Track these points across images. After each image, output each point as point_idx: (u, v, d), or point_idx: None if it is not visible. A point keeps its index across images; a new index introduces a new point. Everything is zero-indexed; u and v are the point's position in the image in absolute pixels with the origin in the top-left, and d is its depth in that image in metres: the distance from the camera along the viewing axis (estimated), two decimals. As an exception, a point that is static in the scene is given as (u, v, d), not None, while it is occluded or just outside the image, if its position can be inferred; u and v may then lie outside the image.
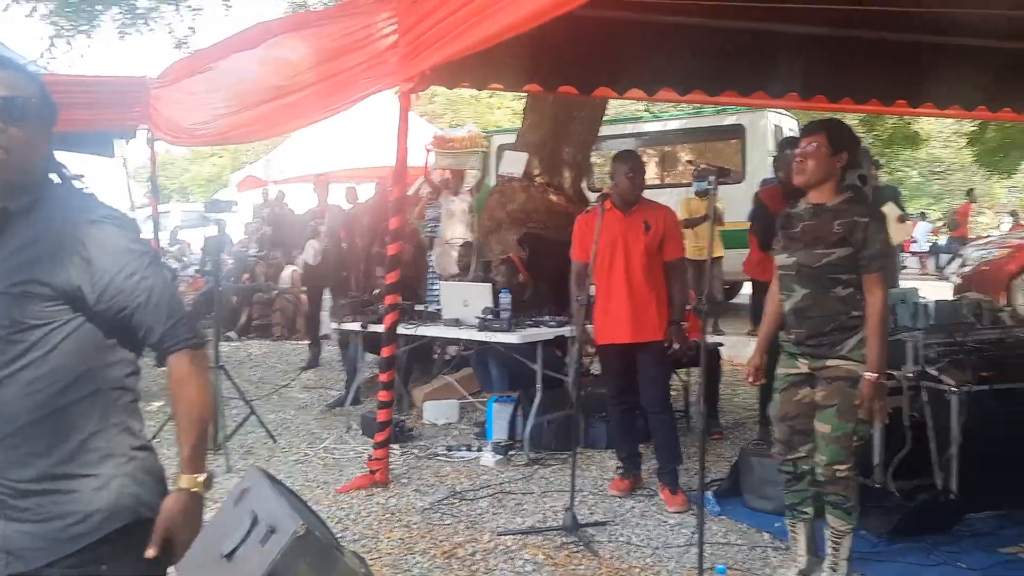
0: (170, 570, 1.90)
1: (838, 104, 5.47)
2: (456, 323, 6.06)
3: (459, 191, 9.47)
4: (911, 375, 4.51)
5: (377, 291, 6.89)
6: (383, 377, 5.16)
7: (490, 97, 23.76)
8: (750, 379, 3.81)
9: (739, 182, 11.28)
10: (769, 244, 3.90)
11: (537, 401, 5.64)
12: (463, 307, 6.04)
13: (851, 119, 18.34)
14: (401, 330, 5.67)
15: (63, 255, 1.74)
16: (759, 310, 4.24)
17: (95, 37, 14.96)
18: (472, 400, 6.93)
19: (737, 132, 11.97)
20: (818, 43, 5.07)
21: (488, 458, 5.50)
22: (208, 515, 1.98)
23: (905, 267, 23.81)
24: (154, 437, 4.84)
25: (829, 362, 3.43)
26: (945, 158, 34.94)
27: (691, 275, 6.75)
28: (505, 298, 5.80)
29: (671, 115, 14.51)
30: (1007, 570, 3.76)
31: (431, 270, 8.89)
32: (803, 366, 3.53)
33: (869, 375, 3.32)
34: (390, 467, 5.21)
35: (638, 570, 3.86)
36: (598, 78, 5.53)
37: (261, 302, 11.70)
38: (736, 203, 8.86)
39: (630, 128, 13.74)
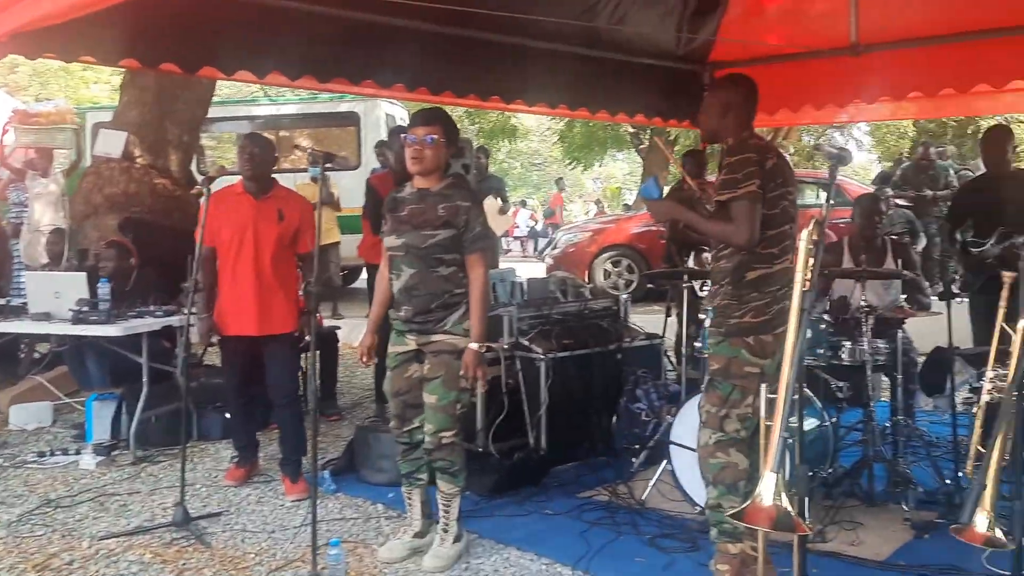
0: None
1: (439, 96, 5.79)
2: (46, 317, 5.50)
3: (49, 172, 8.57)
4: (507, 346, 4.97)
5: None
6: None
7: (84, 71, 21.61)
8: (363, 359, 3.95)
9: (355, 168, 11.52)
10: (380, 228, 4.05)
11: (144, 396, 5.32)
12: (54, 299, 5.49)
13: (457, 112, 19.53)
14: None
15: None
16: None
17: None
18: (69, 401, 6.35)
19: (352, 119, 12.18)
20: (425, 38, 5.33)
21: (88, 461, 5.10)
22: None
23: (509, 250, 25.95)
24: None
25: (434, 337, 3.68)
26: (543, 151, 38.40)
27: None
28: (103, 288, 5.38)
29: (287, 99, 14.35)
30: (583, 511, 4.31)
31: (16, 260, 7.97)
32: (411, 343, 3.75)
33: (472, 345, 3.60)
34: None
35: (253, 555, 3.84)
36: (204, 57, 5.30)
37: None
38: (352, 189, 9.02)
39: (244, 110, 13.37)
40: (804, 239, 2.37)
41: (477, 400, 4.83)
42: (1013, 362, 2.22)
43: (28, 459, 5.22)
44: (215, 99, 9.13)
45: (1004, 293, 2.49)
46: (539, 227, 25.64)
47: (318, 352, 5.14)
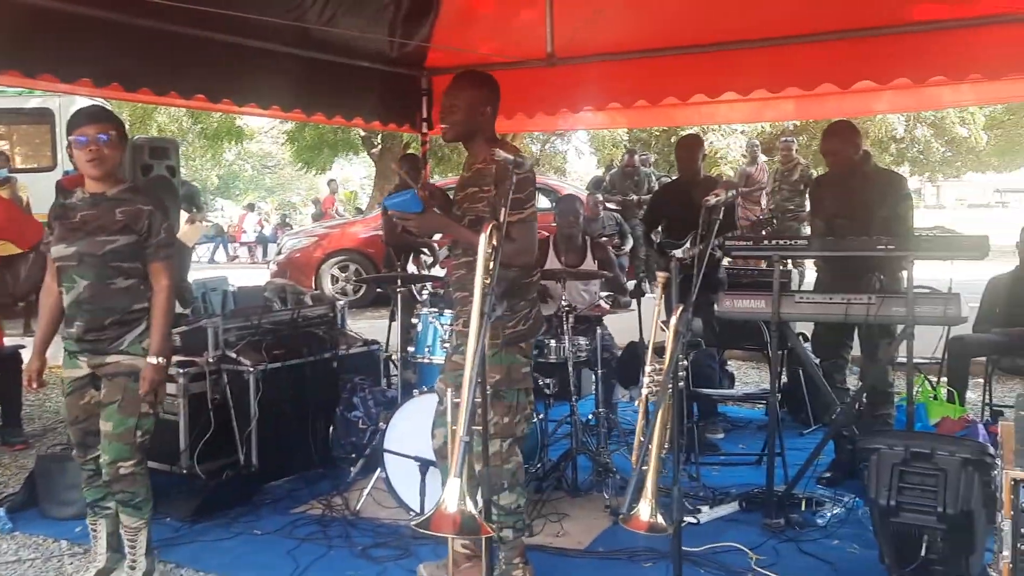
0: None
1: (135, 93, 5.37)
2: None
3: None
4: (212, 359, 4.70)
5: None
6: None
7: None
8: (30, 384, 3.55)
9: (50, 169, 10.50)
10: None
11: None
12: None
13: (179, 111, 18.40)
14: None
15: None
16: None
17: None
18: None
19: (46, 116, 11.07)
20: (117, 30, 4.91)
21: None
22: None
23: (236, 256, 24.93)
24: None
25: (109, 359, 3.36)
26: (276, 153, 37.24)
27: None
28: None
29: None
30: (295, 527, 4.16)
31: None
32: (84, 365, 3.41)
33: (152, 359, 3.33)
34: None
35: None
36: None
37: None
38: (49, 192, 8.18)
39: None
40: (483, 243, 2.40)
41: (180, 419, 4.55)
42: (667, 356, 2.39)
43: None
44: None
45: (659, 292, 2.68)
46: (268, 232, 24.78)
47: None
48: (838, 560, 3.74)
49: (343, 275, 11.81)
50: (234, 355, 4.72)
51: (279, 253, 12.62)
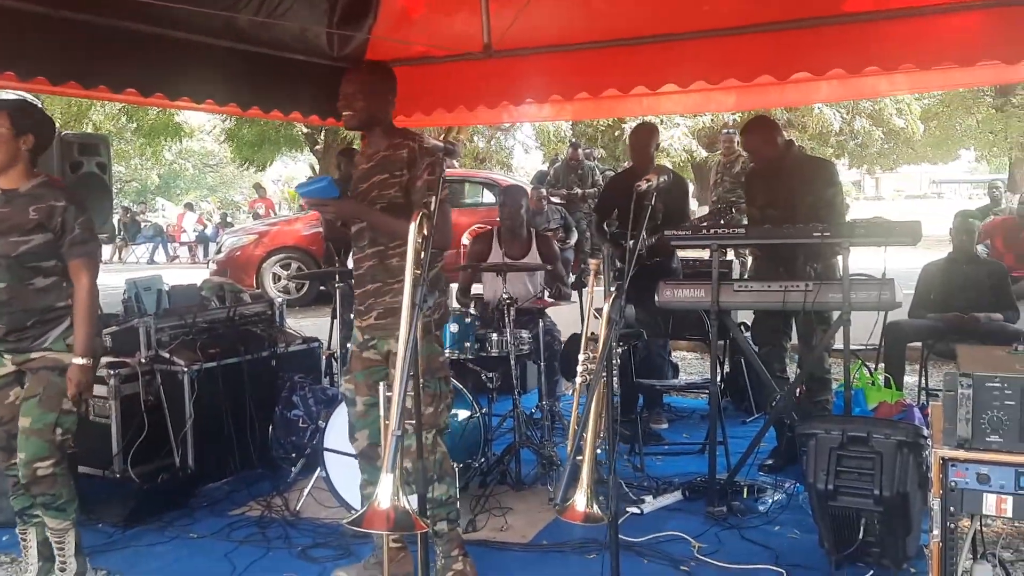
0: None
1: (62, 87, 5.20)
2: None
3: None
4: (145, 360, 4.58)
5: None
6: None
7: None
8: None
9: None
10: None
11: None
12: None
13: (115, 107, 17.96)
14: None
15: None
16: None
17: None
18: None
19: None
20: (55, 24, 4.75)
21: None
22: None
23: (177, 257, 24.48)
24: None
25: (34, 355, 3.26)
26: (218, 151, 36.63)
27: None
28: None
29: None
30: (232, 530, 4.07)
31: None
32: (8, 363, 3.30)
33: (78, 360, 3.22)
34: None
35: None
36: None
37: None
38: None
39: None
40: (413, 232, 2.35)
41: (112, 422, 4.42)
42: (600, 345, 2.37)
43: None
44: None
45: (591, 280, 2.66)
46: (209, 231, 24.35)
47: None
48: (779, 545, 3.77)
49: (285, 273, 11.63)
50: (167, 355, 4.61)
51: (219, 252, 12.38)
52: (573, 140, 12.51)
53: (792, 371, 5.16)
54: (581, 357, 2.58)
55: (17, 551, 3.60)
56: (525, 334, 4.74)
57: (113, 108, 18.43)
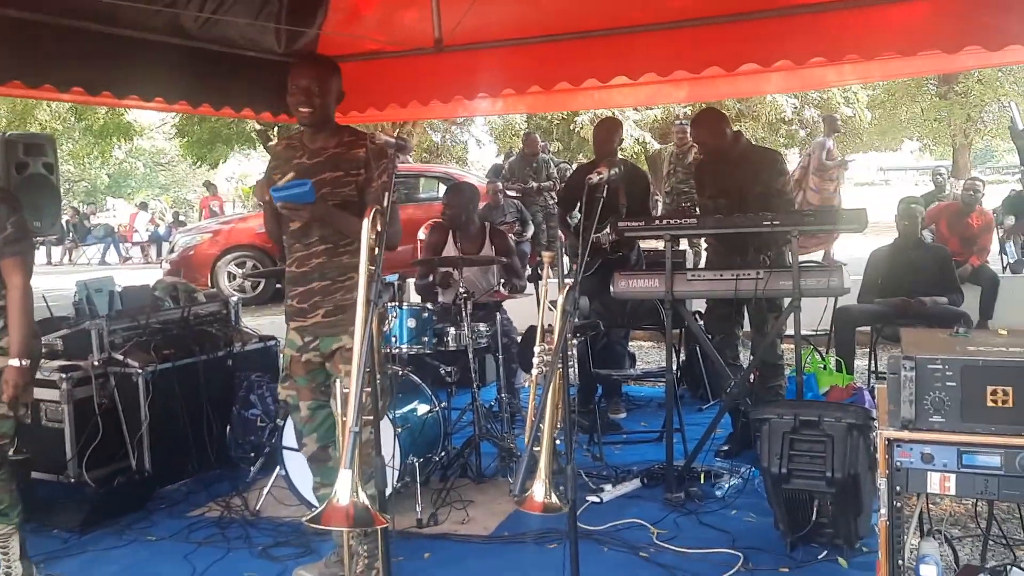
0: None
1: (5, 87, 5.10)
2: None
3: None
4: (98, 362, 4.51)
5: None
6: None
7: None
8: None
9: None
10: None
11: None
12: None
13: (63, 107, 17.61)
14: None
15: None
16: None
17: None
18: None
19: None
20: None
21: None
22: None
23: (129, 258, 24.08)
24: None
25: None
26: (169, 150, 36.05)
27: None
28: None
29: None
30: (191, 531, 4.04)
31: None
32: None
33: (13, 362, 3.16)
34: None
35: None
36: None
37: None
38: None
39: None
40: (366, 228, 2.36)
41: (65, 426, 4.36)
42: (555, 336, 2.40)
43: None
44: None
45: (545, 272, 2.68)
46: (162, 231, 23.99)
47: None
48: (736, 529, 3.84)
49: (240, 272, 11.51)
50: (121, 357, 4.55)
51: (172, 251, 12.22)
52: (528, 132, 12.51)
53: (745, 358, 5.25)
54: (537, 349, 2.60)
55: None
56: (483, 327, 4.76)
57: (61, 107, 18.08)
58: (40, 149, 6.34)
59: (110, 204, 37.26)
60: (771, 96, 18.56)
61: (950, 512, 3.85)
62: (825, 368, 5.41)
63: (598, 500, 4.20)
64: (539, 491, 2.28)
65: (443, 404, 4.56)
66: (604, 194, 2.78)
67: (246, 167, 38.32)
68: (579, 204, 5.55)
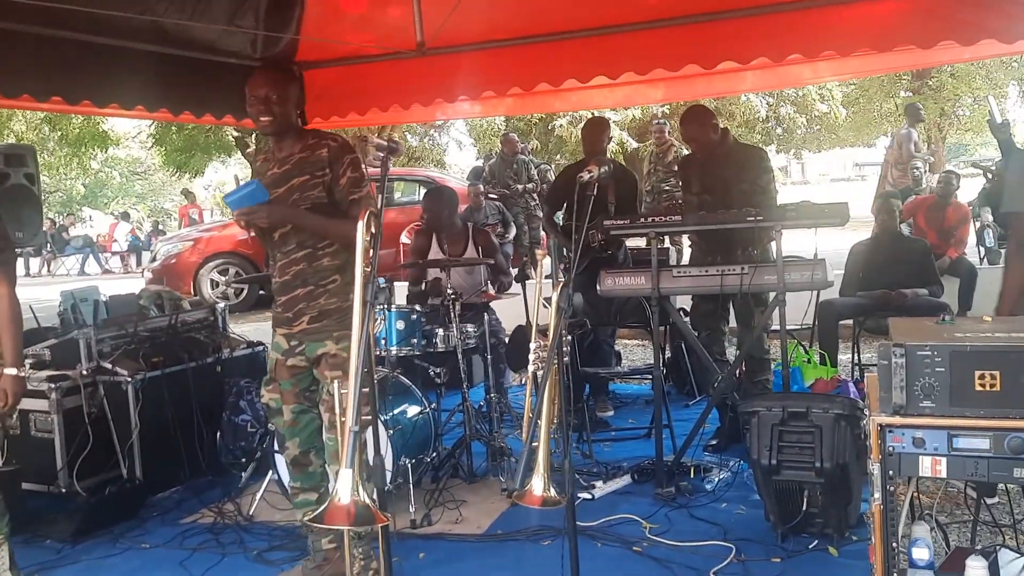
0: None
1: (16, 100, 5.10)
2: None
3: None
4: (87, 371, 4.50)
5: None
6: None
7: None
8: None
9: None
10: None
11: None
12: None
13: (37, 116, 17.43)
14: None
15: None
16: None
17: None
18: None
19: None
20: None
21: None
22: None
23: (109, 269, 23.89)
24: None
25: None
26: (146, 159, 35.78)
27: None
28: None
29: None
30: (185, 538, 4.04)
31: None
32: None
33: (10, 371, 3.16)
34: None
35: None
36: None
37: None
38: None
39: None
40: (361, 231, 2.38)
41: (55, 436, 4.34)
42: (551, 333, 2.43)
43: None
44: None
45: (539, 271, 2.71)
46: (141, 240, 23.84)
47: None
48: (727, 521, 3.89)
49: (223, 279, 11.47)
50: (109, 365, 4.54)
51: (154, 260, 12.15)
52: (507, 134, 12.52)
53: (731, 353, 5.31)
54: (533, 346, 2.63)
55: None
56: (471, 328, 4.79)
57: (35, 117, 17.89)
58: (21, 159, 6.32)
59: (86, 214, 36.94)
60: (745, 96, 18.71)
61: (935, 499, 3.91)
62: (809, 362, 5.48)
63: (590, 496, 4.24)
64: (537, 486, 2.31)
65: (433, 405, 4.58)
66: (595, 192, 2.81)
67: (223, 175, 38.13)
68: (565, 204, 5.64)
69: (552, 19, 5.49)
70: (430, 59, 5.41)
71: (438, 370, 4.68)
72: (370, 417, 2.44)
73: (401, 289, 6.08)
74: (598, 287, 4.52)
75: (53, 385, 4.37)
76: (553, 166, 14.96)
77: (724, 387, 4.51)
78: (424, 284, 5.31)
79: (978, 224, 10.17)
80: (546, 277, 2.77)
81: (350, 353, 2.30)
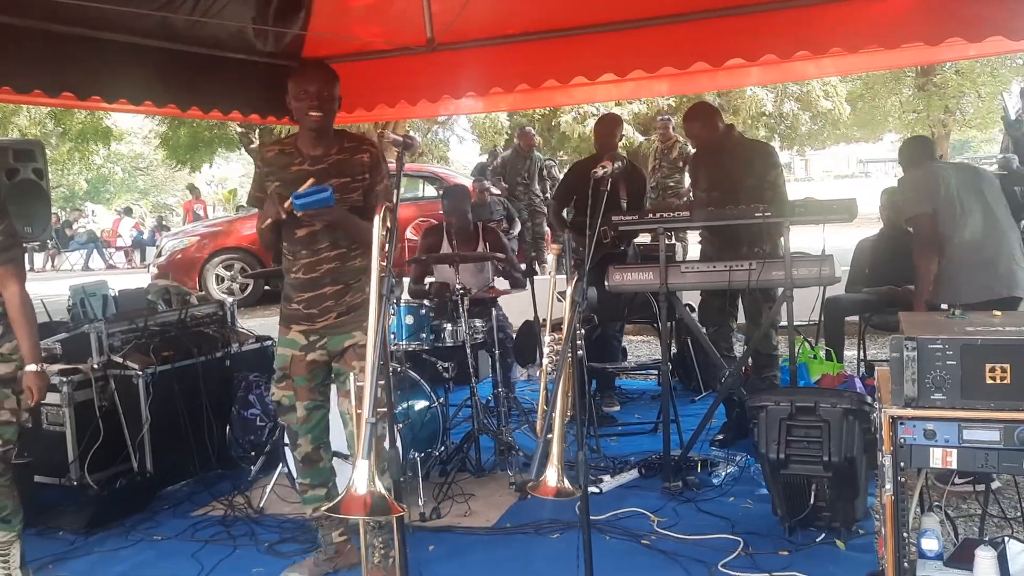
0: None
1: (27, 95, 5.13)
2: None
3: None
4: (98, 365, 4.53)
5: None
6: None
7: None
8: None
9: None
10: None
11: None
12: None
13: (40, 112, 17.48)
14: None
15: None
16: None
17: None
18: None
19: None
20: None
21: None
22: None
23: (113, 265, 23.93)
24: None
25: None
26: (148, 154, 35.79)
27: None
28: None
29: None
30: (196, 530, 4.08)
31: None
32: None
33: (31, 367, 3.19)
34: None
35: None
36: None
37: None
38: None
39: None
40: (377, 225, 2.40)
41: (66, 429, 4.38)
42: (565, 326, 2.46)
43: None
44: None
45: (552, 266, 2.73)
46: (145, 236, 23.89)
47: None
48: (734, 515, 3.91)
49: (228, 274, 11.51)
50: (120, 359, 4.57)
51: (159, 255, 12.19)
52: (524, 128, 12.44)
53: (738, 349, 5.33)
54: (547, 339, 2.66)
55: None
56: (479, 323, 4.81)
57: (39, 112, 17.92)
58: (30, 155, 6.35)
59: (89, 209, 36.99)
60: (751, 90, 18.69)
61: (943, 494, 3.93)
62: (816, 358, 5.50)
63: (597, 491, 4.26)
64: (552, 476, 2.33)
65: (441, 400, 4.60)
66: (608, 188, 2.84)
67: (225, 170, 38.14)
68: (574, 200, 5.66)
69: (561, 15, 5.50)
70: (439, 55, 5.43)
71: (446, 365, 4.70)
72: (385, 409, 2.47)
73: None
74: (606, 283, 4.54)
75: (65, 379, 4.40)
76: (557, 162, 14.93)
77: (732, 383, 4.53)
78: (429, 285, 5.34)
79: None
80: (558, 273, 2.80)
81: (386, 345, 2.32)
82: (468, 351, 4.63)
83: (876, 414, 2.37)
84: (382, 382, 2.39)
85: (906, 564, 2.29)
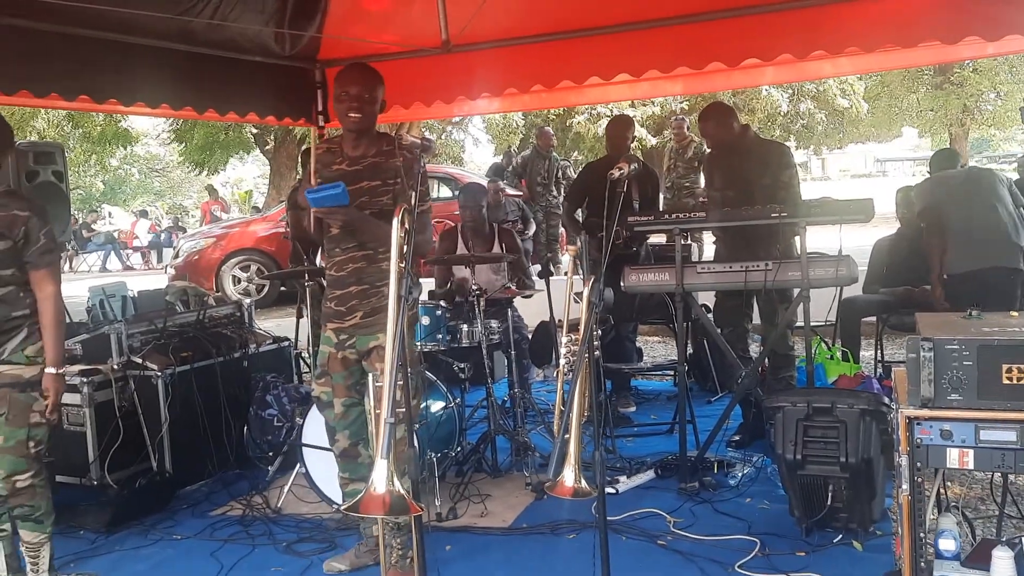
0: None
1: (12, 97, 5.15)
2: None
3: None
4: (117, 366, 4.57)
5: None
6: None
7: None
8: None
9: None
10: None
11: None
12: None
13: (59, 115, 17.63)
14: None
15: None
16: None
17: None
18: None
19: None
20: (4, 32, 4.70)
21: None
22: None
23: (131, 266, 24.10)
24: None
25: None
26: (164, 156, 36.03)
27: None
28: None
29: None
30: (215, 530, 4.11)
31: None
32: None
33: (51, 370, 3.22)
34: None
35: None
36: None
37: None
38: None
39: None
40: (396, 227, 2.42)
41: (87, 430, 4.42)
42: (582, 327, 2.47)
43: None
44: None
45: (569, 267, 2.75)
46: (162, 237, 24.05)
47: None
48: (751, 516, 3.91)
49: (245, 275, 11.58)
50: (140, 360, 4.61)
51: (176, 256, 12.27)
52: (543, 128, 12.44)
53: (755, 350, 5.32)
54: (564, 340, 2.67)
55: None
56: (495, 324, 4.83)
57: (57, 115, 18.08)
58: (50, 157, 6.39)
59: (106, 211, 37.25)
60: (766, 90, 18.64)
61: (962, 496, 3.93)
62: (832, 358, 5.48)
63: (613, 491, 4.26)
64: (569, 476, 2.35)
65: (457, 400, 4.62)
66: (624, 190, 2.85)
67: (241, 172, 38.35)
68: (587, 201, 5.67)
69: (576, 16, 5.51)
70: (454, 56, 5.46)
71: (462, 365, 4.72)
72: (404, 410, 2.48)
73: (426, 285, 6.13)
74: (621, 283, 4.54)
75: (85, 379, 4.44)
76: (572, 162, 14.94)
77: (748, 383, 4.53)
78: (450, 284, 5.36)
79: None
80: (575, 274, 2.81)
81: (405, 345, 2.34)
82: (484, 352, 4.64)
83: (893, 415, 2.37)
84: (401, 383, 2.40)
85: (923, 564, 2.29)
